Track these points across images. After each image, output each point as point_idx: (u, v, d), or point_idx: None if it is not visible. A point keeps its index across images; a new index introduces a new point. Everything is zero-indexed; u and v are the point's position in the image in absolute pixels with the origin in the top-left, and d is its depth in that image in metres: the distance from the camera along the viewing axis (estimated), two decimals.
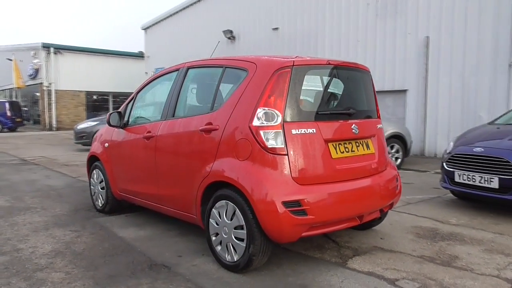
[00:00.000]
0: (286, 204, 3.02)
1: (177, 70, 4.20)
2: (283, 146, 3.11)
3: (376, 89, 4.07)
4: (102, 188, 5.11)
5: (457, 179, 5.10)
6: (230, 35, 16.46)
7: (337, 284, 3.05)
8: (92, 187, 5.37)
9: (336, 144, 3.35)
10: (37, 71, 24.89)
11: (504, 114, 6.16)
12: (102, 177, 5.09)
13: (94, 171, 5.28)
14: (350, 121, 3.50)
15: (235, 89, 3.46)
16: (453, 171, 5.15)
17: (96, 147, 5.23)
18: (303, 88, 3.28)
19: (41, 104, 25.47)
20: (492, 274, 3.22)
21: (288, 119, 3.15)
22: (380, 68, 12.00)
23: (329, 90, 3.51)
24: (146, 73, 23.11)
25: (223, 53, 17.24)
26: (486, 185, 4.79)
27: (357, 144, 3.53)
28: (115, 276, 3.24)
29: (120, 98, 28.71)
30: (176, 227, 4.48)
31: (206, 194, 3.51)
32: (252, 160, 3.14)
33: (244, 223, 3.14)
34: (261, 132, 3.12)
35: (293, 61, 3.26)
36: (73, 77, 25.34)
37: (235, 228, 3.23)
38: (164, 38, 21.36)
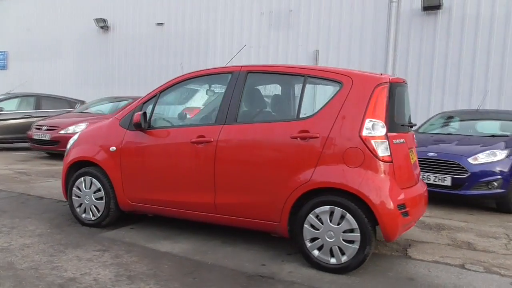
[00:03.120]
0: (399, 206, 3.36)
1: (230, 72, 4.02)
2: (389, 154, 3.42)
3: None
4: (99, 199, 4.43)
5: None
6: (103, 24, 15.12)
7: (428, 274, 3.51)
8: (76, 197, 4.57)
9: (410, 153, 3.82)
10: None
11: (422, 125, 7.58)
12: (100, 185, 4.41)
13: (82, 179, 4.52)
14: (410, 133, 4.00)
15: (328, 99, 3.59)
16: None
17: (89, 151, 4.49)
18: (394, 102, 3.64)
19: None
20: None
21: (389, 130, 3.47)
22: None
23: (403, 104, 3.93)
24: None
25: (93, 44, 15.81)
26: (440, 183, 5.91)
27: (411, 154, 4.05)
28: None
29: None
30: (210, 237, 4.24)
31: (298, 200, 3.54)
32: (365, 168, 3.36)
33: (357, 227, 3.32)
34: (372, 142, 3.37)
35: (389, 77, 3.60)
36: None
37: (343, 232, 3.38)
38: (11, 18, 18.16)
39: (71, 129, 9.10)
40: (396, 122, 3.64)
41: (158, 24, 14.46)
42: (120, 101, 11.11)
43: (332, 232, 3.41)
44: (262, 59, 12.98)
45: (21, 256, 3.56)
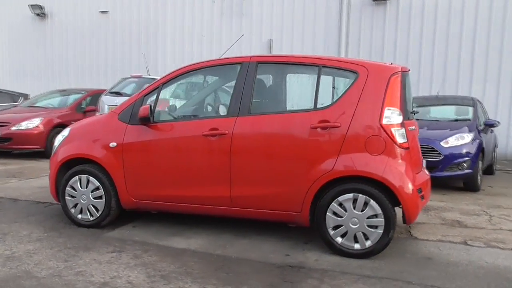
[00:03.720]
0: (418, 190, 3.55)
1: (239, 63, 3.95)
2: (406, 141, 3.59)
3: None
4: (97, 198, 4.19)
5: None
6: (39, 11, 14.02)
7: (440, 252, 3.76)
8: (70, 198, 4.27)
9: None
10: None
11: None
12: (98, 184, 4.17)
13: (77, 178, 4.23)
14: (414, 120, 4.21)
15: (345, 89, 3.67)
16: None
17: (84, 148, 4.21)
18: (405, 90, 3.80)
19: None
20: (500, 228, 4.55)
21: (404, 118, 3.63)
22: None
23: (410, 92, 4.09)
24: None
25: (28, 33, 14.74)
26: None
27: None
28: (275, 285, 3.04)
29: None
30: (220, 231, 4.18)
31: (320, 190, 3.60)
32: (387, 155, 3.49)
33: (381, 212, 3.45)
34: (392, 130, 3.51)
35: (400, 67, 3.75)
36: None
37: (367, 218, 3.50)
38: None
39: (23, 125, 8.43)
40: (407, 110, 3.81)
41: (102, 12, 13.71)
42: (69, 94, 10.46)
43: (356, 219, 3.51)
44: (215, 48, 12.84)
45: (33, 264, 3.29)
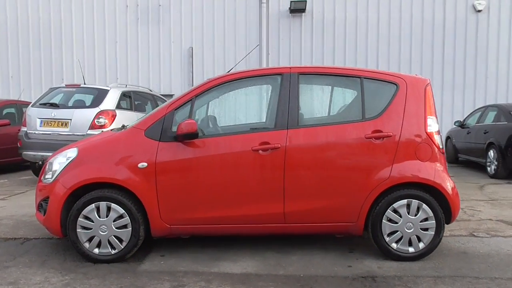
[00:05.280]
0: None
1: (279, 74, 3.84)
2: (443, 146, 3.90)
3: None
4: (121, 227, 3.65)
5: None
6: None
7: (466, 245, 4.15)
8: (84, 230, 3.63)
9: None
10: None
11: None
12: (123, 211, 3.64)
13: (94, 206, 3.63)
14: None
15: (389, 100, 3.82)
16: None
17: (104, 170, 3.61)
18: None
19: None
20: (480, 218, 5.18)
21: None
22: (144, 72, 12.08)
23: None
24: None
25: None
26: None
27: None
28: None
29: None
30: (260, 250, 3.99)
31: (377, 198, 3.69)
32: (433, 161, 3.75)
33: (432, 215, 3.69)
34: (435, 137, 3.79)
35: (428, 78, 4.05)
36: None
37: (420, 221, 3.70)
38: None
39: None
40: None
41: None
42: None
43: (411, 223, 3.68)
44: (131, 55, 12.07)
45: None
